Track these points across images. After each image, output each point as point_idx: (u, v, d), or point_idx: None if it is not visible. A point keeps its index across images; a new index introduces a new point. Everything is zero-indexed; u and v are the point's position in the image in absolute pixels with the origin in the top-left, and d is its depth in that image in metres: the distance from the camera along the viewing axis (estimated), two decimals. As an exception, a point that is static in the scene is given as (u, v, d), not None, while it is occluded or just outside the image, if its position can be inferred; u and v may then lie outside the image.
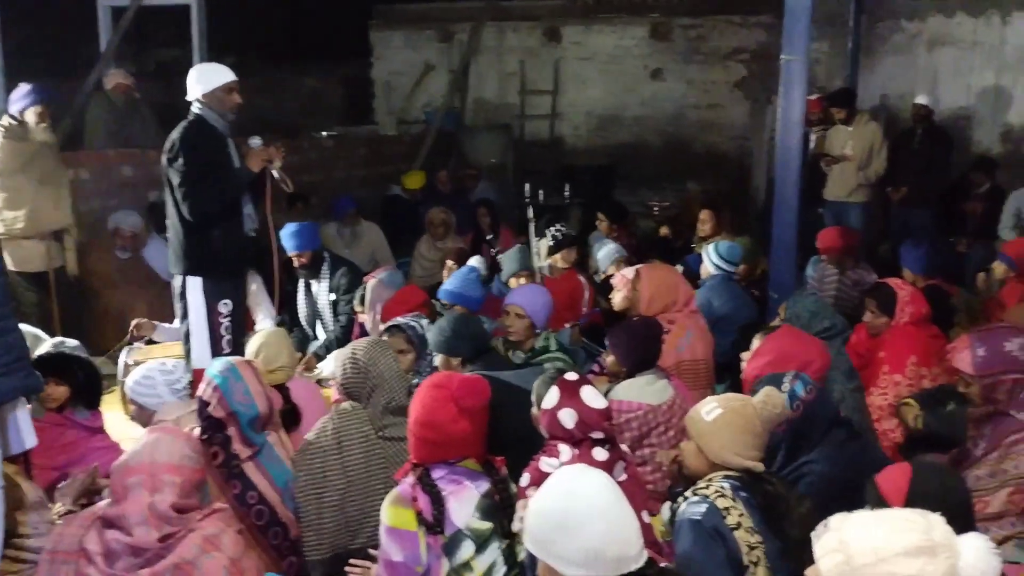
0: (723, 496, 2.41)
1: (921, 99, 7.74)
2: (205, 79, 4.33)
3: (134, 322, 5.18)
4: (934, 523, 1.63)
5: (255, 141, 4.52)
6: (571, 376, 2.85)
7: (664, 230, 7.20)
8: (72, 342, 4.25)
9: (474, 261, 5.36)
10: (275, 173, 4.47)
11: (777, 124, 4.49)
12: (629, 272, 4.72)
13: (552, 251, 5.66)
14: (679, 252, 6.90)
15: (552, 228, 5.70)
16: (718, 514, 2.37)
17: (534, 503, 1.95)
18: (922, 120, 7.68)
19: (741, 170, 10.03)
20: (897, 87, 9.18)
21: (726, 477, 2.48)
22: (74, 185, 5.71)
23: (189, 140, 4.23)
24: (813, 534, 1.72)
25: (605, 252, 5.91)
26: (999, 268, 5.27)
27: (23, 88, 5.03)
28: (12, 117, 5.29)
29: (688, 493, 2.46)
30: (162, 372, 3.50)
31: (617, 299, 4.77)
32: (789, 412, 2.92)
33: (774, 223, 4.53)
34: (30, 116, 5.04)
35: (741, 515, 2.39)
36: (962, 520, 2.02)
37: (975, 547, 1.57)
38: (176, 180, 4.24)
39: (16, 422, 2.57)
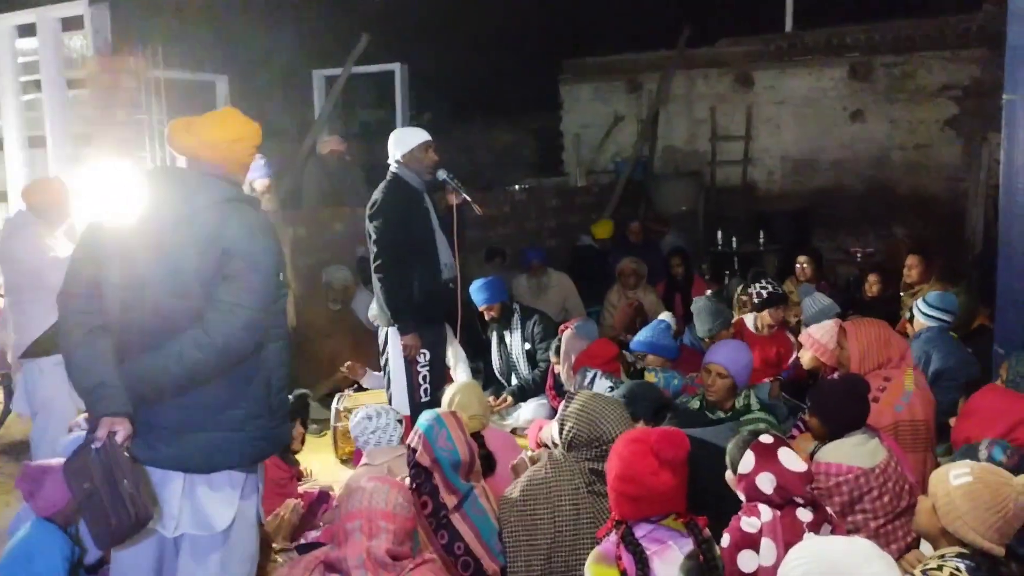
0: None
1: None
2: (403, 141, 4.58)
3: (346, 364, 5.49)
4: None
5: (441, 174, 4.63)
6: (766, 439, 2.75)
7: (873, 280, 6.76)
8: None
9: (665, 316, 5.32)
10: (465, 196, 4.59)
11: (1000, 168, 4.17)
12: (816, 331, 4.51)
13: (759, 308, 5.49)
14: (886, 302, 6.52)
15: (758, 284, 5.53)
16: None
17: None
18: None
19: (953, 213, 9.37)
20: None
21: (960, 555, 2.28)
22: (292, 242, 6.17)
23: (390, 204, 4.47)
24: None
25: (820, 311, 5.57)
26: None
27: (258, 160, 5.52)
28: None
29: (917, 571, 2.27)
30: (377, 416, 3.69)
31: (805, 359, 4.57)
32: None
33: (1000, 272, 4.18)
34: (259, 186, 5.51)
35: None
36: None
37: None
38: (372, 237, 4.51)
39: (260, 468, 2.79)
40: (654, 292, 7.23)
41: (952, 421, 3.90)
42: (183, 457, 2.53)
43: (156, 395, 2.49)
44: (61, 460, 2.58)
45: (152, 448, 2.52)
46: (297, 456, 4.72)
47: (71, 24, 5.63)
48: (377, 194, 4.54)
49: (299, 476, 4.21)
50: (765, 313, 5.48)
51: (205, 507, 2.57)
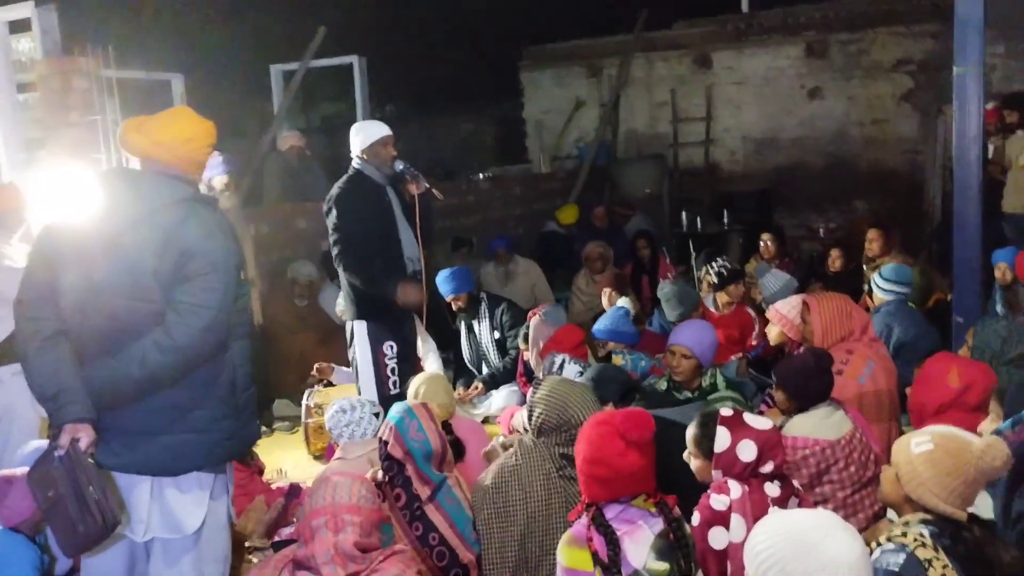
0: (923, 546, 2.21)
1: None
2: (363, 135, 4.55)
3: (316, 366, 5.46)
4: None
5: (398, 165, 4.54)
6: (727, 411, 2.76)
7: (835, 255, 6.86)
8: None
9: (623, 302, 5.35)
10: (425, 183, 4.51)
11: (952, 139, 4.24)
12: (783, 306, 4.57)
13: (718, 287, 5.55)
14: (849, 276, 6.61)
15: (715, 263, 5.58)
16: (919, 566, 2.16)
17: (773, 553, 1.90)
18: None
19: (912, 186, 9.52)
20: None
21: (924, 521, 2.31)
22: (255, 239, 6.11)
23: (344, 196, 4.46)
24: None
25: (781, 288, 5.62)
26: None
27: (215, 158, 5.43)
28: (200, 181, 5.74)
29: (882, 539, 2.30)
30: (352, 408, 3.67)
31: (772, 334, 4.62)
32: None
33: (955, 243, 4.26)
34: (217, 183, 5.44)
35: (945, 567, 2.17)
36: None
37: None
38: (329, 231, 4.50)
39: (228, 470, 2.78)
40: (621, 274, 7.26)
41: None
42: (149, 461, 2.50)
43: (119, 399, 2.46)
44: (25, 469, 2.54)
45: (117, 453, 2.50)
46: (271, 455, 4.71)
47: (18, 27, 5.51)
48: (334, 188, 4.53)
49: (260, 470, 4.18)
50: (723, 291, 5.53)
51: (175, 510, 2.55)
